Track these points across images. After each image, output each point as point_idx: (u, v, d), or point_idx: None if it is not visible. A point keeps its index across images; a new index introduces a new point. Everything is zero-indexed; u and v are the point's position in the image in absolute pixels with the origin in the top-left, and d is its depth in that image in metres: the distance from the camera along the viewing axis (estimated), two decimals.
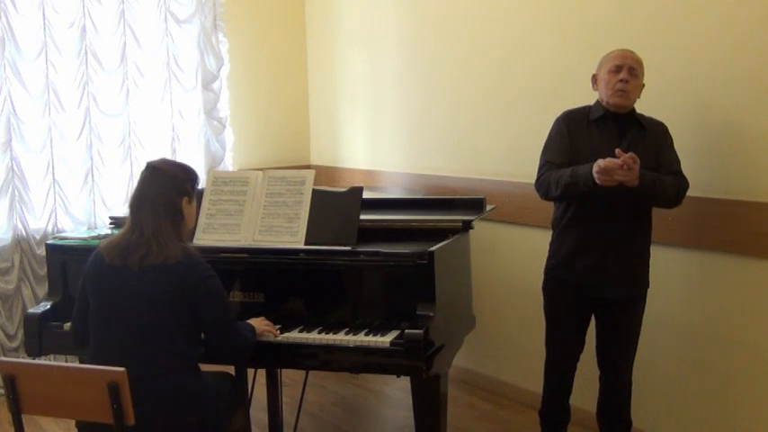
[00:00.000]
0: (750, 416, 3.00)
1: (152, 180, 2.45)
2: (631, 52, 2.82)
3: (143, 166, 2.53)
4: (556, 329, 3.03)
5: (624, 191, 2.67)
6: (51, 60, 4.22)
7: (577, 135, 2.86)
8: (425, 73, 4.39)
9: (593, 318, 3.01)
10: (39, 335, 2.85)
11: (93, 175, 4.40)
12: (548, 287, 3.03)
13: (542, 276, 3.04)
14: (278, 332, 2.63)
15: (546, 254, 3.03)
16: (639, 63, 2.81)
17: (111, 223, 3.36)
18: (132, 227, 2.41)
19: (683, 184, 2.81)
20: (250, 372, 3.25)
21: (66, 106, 4.29)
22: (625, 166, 2.58)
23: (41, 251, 4.10)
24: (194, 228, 2.62)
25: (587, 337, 3.01)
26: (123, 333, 2.32)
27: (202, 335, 2.45)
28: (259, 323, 2.61)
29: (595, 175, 2.62)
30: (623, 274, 2.86)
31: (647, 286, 2.94)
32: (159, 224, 2.38)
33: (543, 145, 2.94)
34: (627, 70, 2.77)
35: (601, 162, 2.60)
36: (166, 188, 2.44)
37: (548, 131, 2.95)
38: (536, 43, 3.74)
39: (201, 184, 2.80)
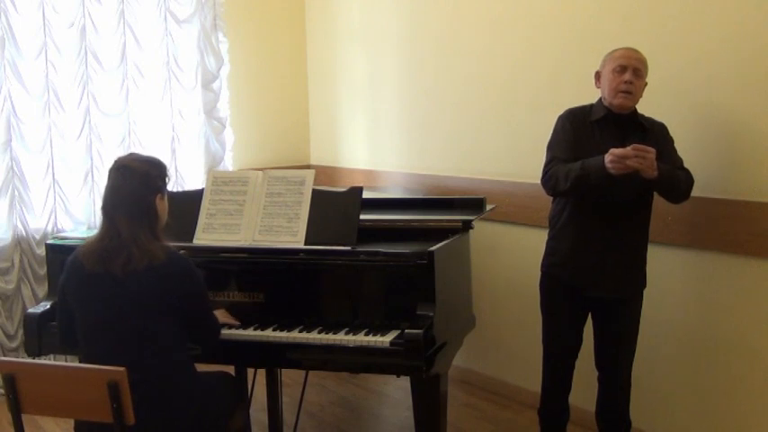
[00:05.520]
0: (749, 416, 3.00)
1: (123, 181, 2.38)
2: (636, 52, 2.80)
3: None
4: (553, 327, 3.03)
5: (636, 186, 2.68)
6: (51, 60, 4.22)
7: (580, 134, 2.85)
8: (426, 73, 4.39)
9: (590, 315, 3.01)
10: (38, 335, 2.85)
11: (92, 174, 4.40)
12: (545, 285, 3.03)
13: (539, 274, 3.04)
14: (237, 322, 2.69)
15: None
16: (644, 63, 2.80)
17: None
18: (108, 231, 2.36)
19: (692, 178, 2.82)
20: (250, 371, 3.26)
21: (66, 106, 4.28)
22: (635, 154, 2.57)
23: (41, 251, 4.10)
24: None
25: (587, 337, 3.02)
26: (118, 340, 2.30)
27: None
28: (221, 315, 2.66)
29: (608, 164, 2.61)
30: (622, 273, 2.86)
31: (645, 285, 2.94)
32: (135, 227, 2.33)
33: (548, 142, 2.93)
34: (631, 71, 2.75)
35: (615, 150, 2.60)
36: (139, 188, 2.37)
37: (548, 131, 2.94)
38: (537, 43, 3.74)
39: (201, 184, 2.78)
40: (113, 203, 2.37)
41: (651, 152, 2.60)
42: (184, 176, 4.77)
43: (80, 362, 2.48)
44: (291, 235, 2.78)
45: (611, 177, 2.63)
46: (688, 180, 2.80)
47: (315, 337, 2.61)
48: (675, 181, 2.74)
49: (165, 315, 2.33)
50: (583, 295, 2.90)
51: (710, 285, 3.09)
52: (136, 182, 2.38)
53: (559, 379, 3.05)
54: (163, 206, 2.46)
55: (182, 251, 2.55)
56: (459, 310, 2.95)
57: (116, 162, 2.46)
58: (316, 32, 5.24)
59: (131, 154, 2.60)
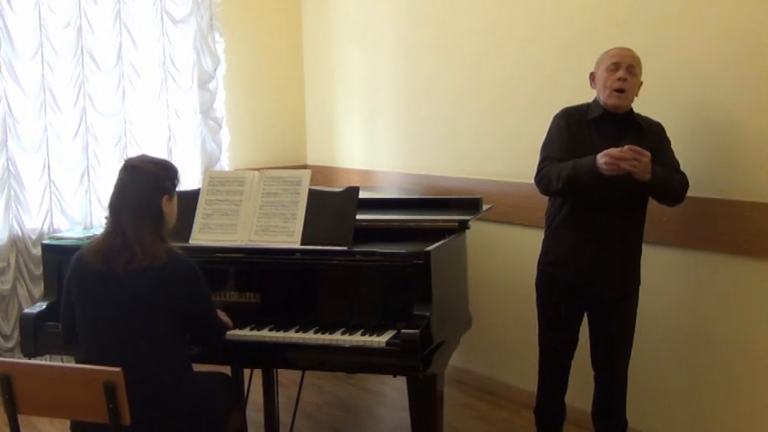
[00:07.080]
0: (745, 415, 3.00)
1: (131, 180, 2.40)
2: (629, 50, 2.81)
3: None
4: (549, 326, 3.03)
5: (628, 186, 2.68)
6: (47, 60, 4.21)
7: (576, 133, 2.85)
8: (422, 73, 4.39)
9: (586, 314, 3.01)
10: (34, 335, 2.84)
11: (88, 174, 4.39)
12: (541, 284, 3.04)
13: (536, 273, 3.05)
14: (230, 323, 2.67)
15: None
16: (637, 61, 2.80)
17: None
18: (113, 230, 2.37)
19: (686, 181, 2.82)
20: (246, 372, 3.25)
21: (62, 106, 4.28)
22: (632, 156, 2.57)
23: (37, 251, 4.10)
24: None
25: (583, 336, 3.02)
26: (115, 339, 2.30)
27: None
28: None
29: (602, 165, 2.61)
30: (618, 272, 2.86)
31: (639, 282, 2.95)
32: (140, 227, 2.34)
33: (543, 141, 2.93)
34: (625, 68, 2.75)
35: (610, 151, 2.60)
36: (146, 189, 2.39)
37: (544, 130, 2.95)
38: (534, 44, 3.74)
39: (198, 184, 2.78)
40: (120, 202, 2.39)
41: (646, 156, 2.60)
42: (180, 176, 4.76)
43: (77, 361, 2.48)
44: (288, 235, 2.78)
45: (603, 177, 2.64)
46: (682, 184, 2.80)
47: (311, 337, 2.61)
48: (669, 185, 2.74)
49: (164, 315, 2.33)
50: (579, 294, 2.91)
51: (706, 285, 3.10)
52: (143, 182, 2.40)
53: (556, 378, 3.06)
54: (170, 208, 2.47)
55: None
56: (456, 310, 2.95)
57: (126, 162, 2.48)
58: (312, 32, 5.24)
59: (142, 155, 2.62)
